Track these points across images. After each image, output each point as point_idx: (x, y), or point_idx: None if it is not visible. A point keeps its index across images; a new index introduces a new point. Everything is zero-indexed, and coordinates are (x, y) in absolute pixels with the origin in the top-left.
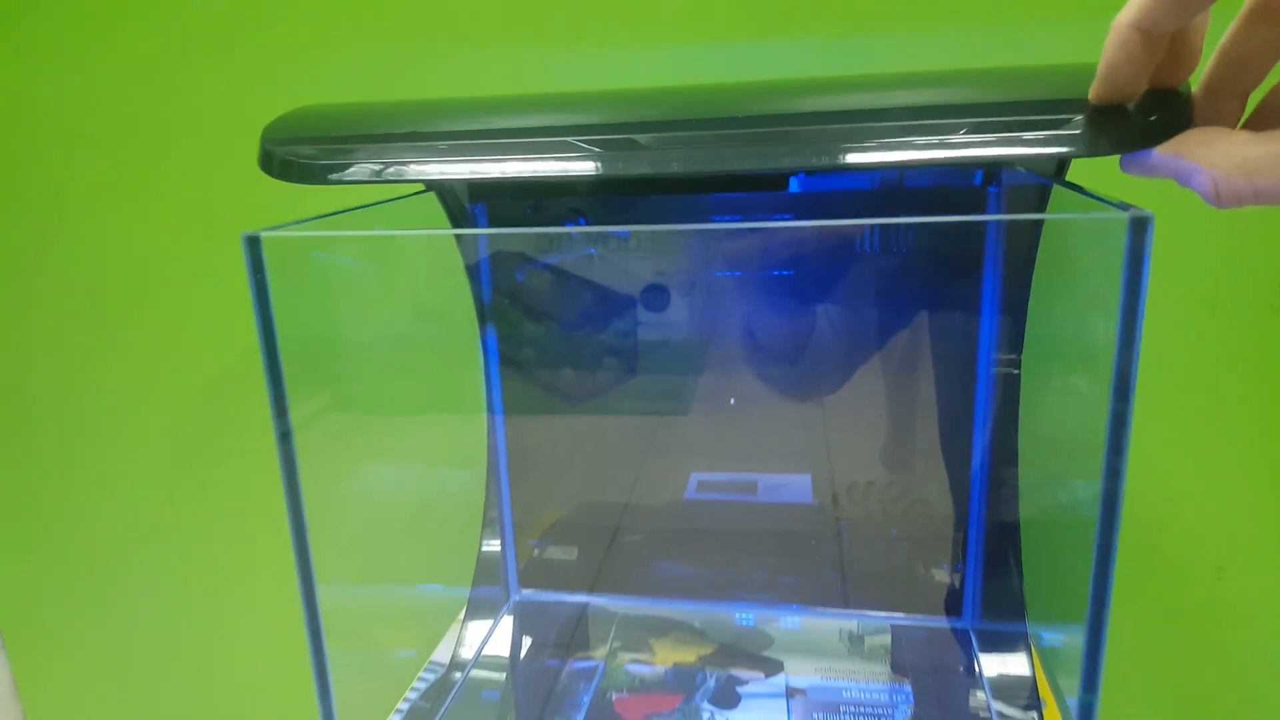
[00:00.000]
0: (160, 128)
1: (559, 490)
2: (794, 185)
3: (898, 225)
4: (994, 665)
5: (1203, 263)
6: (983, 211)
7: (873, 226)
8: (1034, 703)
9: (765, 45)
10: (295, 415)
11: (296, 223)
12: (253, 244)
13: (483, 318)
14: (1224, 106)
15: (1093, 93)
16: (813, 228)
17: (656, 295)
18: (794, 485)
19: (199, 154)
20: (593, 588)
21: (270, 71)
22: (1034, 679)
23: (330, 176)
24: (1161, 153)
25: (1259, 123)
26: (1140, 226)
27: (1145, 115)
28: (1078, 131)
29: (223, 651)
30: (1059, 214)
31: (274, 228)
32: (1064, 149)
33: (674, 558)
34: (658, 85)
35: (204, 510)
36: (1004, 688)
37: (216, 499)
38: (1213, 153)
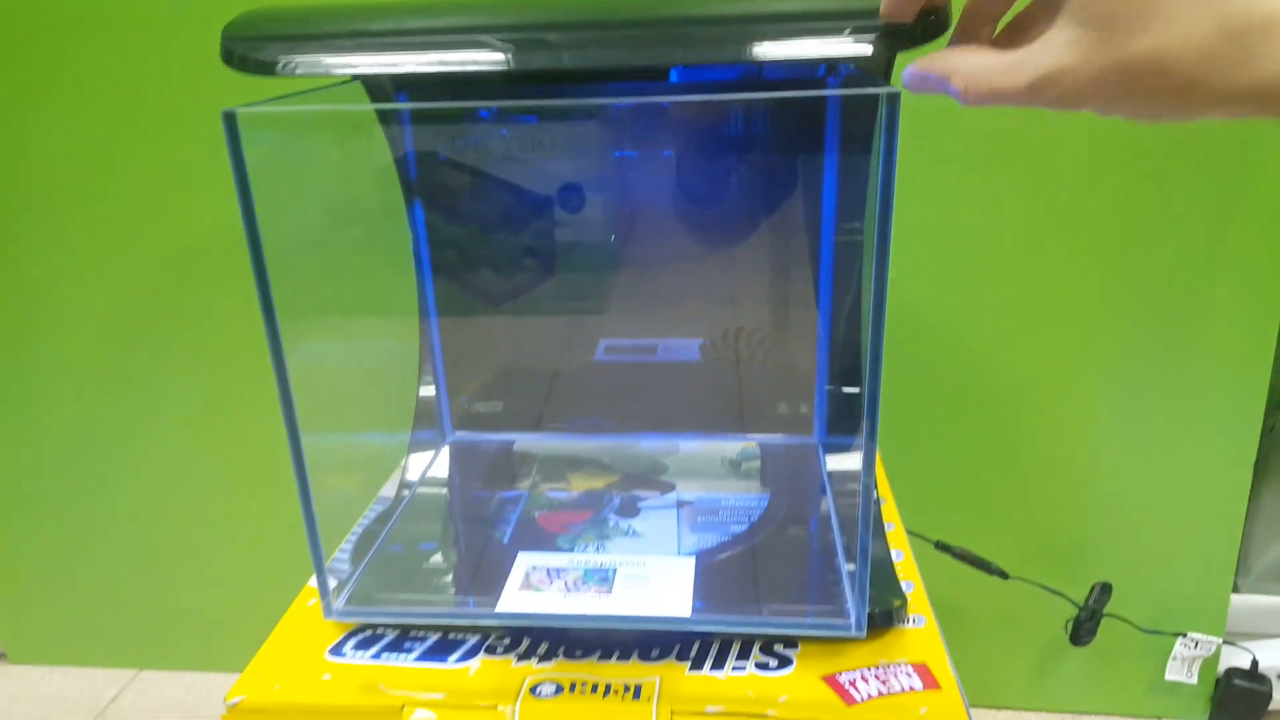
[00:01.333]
0: (97, 20)
1: (486, 352)
2: (673, 76)
3: (757, 109)
4: (835, 464)
5: (1024, 139)
6: (823, 97)
7: (737, 113)
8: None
9: None
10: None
11: (267, 101)
12: (229, 120)
13: (410, 197)
14: (979, 30)
15: (882, 11)
16: (676, 102)
17: (549, 181)
18: (684, 346)
19: (137, 44)
20: (516, 429)
21: None
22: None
23: (279, 70)
24: (918, 66)
25: (1004, 41)
26: (892, 101)
27: (912, 26)
28: (862, 39)
29: (178, 526)
30: (826, 91)
31: (249, 105)
32: (850, 52)
33: (586, 407)
34: None
35: (148, 396)
36: (840, 479)
37: (160, 385)
38: (960, 63)
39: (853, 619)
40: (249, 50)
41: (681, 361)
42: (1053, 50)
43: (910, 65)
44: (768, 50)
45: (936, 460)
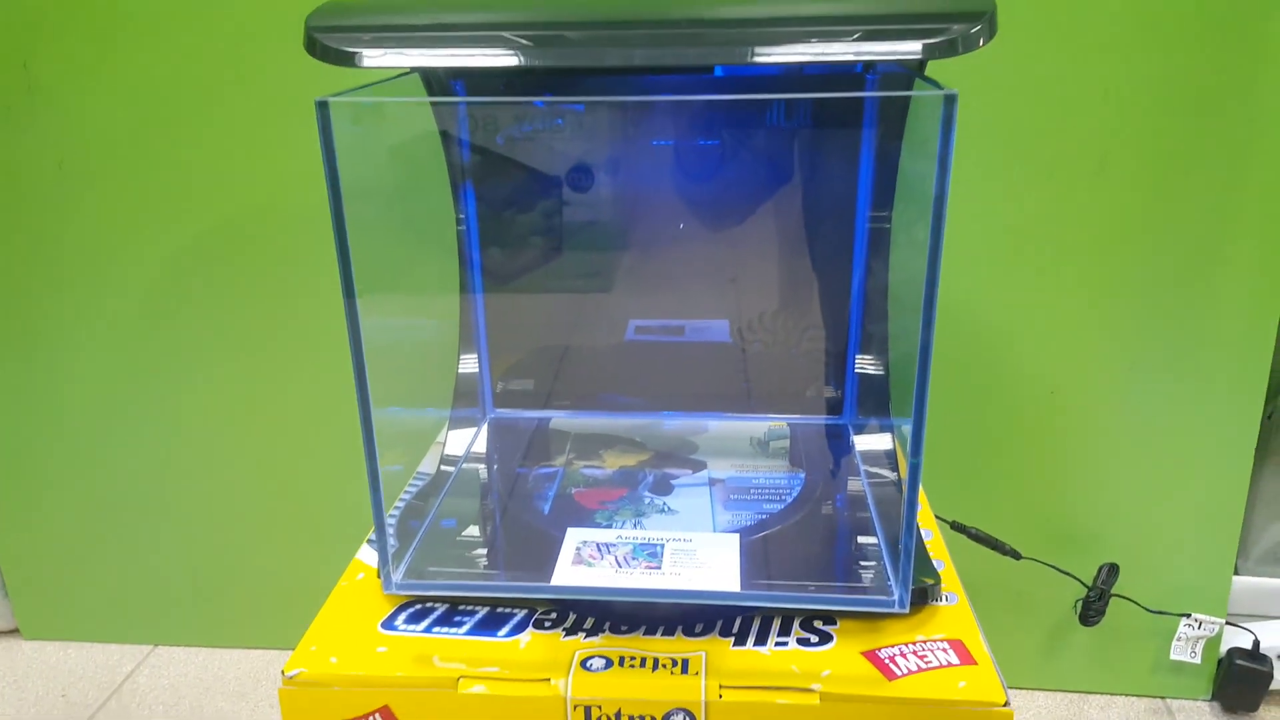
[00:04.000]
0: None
1: (524, 332)
2: (718, 70)
3: (799, 102)
4: (865, 445)
5: (1038, 139)
6: (861, 92)
7: (777, 104)
8: (893, 468)
9: None
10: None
11: (357, 89)
12: (322, 108)
13: (459, 186)
14: None
15: None
16: (726, 100)
17: (587, 170)
18: (714, 328)
19: (163, 25)
20: (552, 408)
21: None
22: (894, 453)
23: (363, 63)
24: None
25: None
26: (950, 102)
27: (952, 26)
28: (911, 40)
29: (192, 502)
30: (887, 93)
31: (341, 93)
32: (897, 53)
33: (618, 386)
34: None
35: (170, 371)
36: (871, 460)
37: (183, 361)
38: None
39: (896, 595)
40: (335, 42)
41: (711, 341)
42: None
43: None
44: (817, 51)
45: (949, 443)
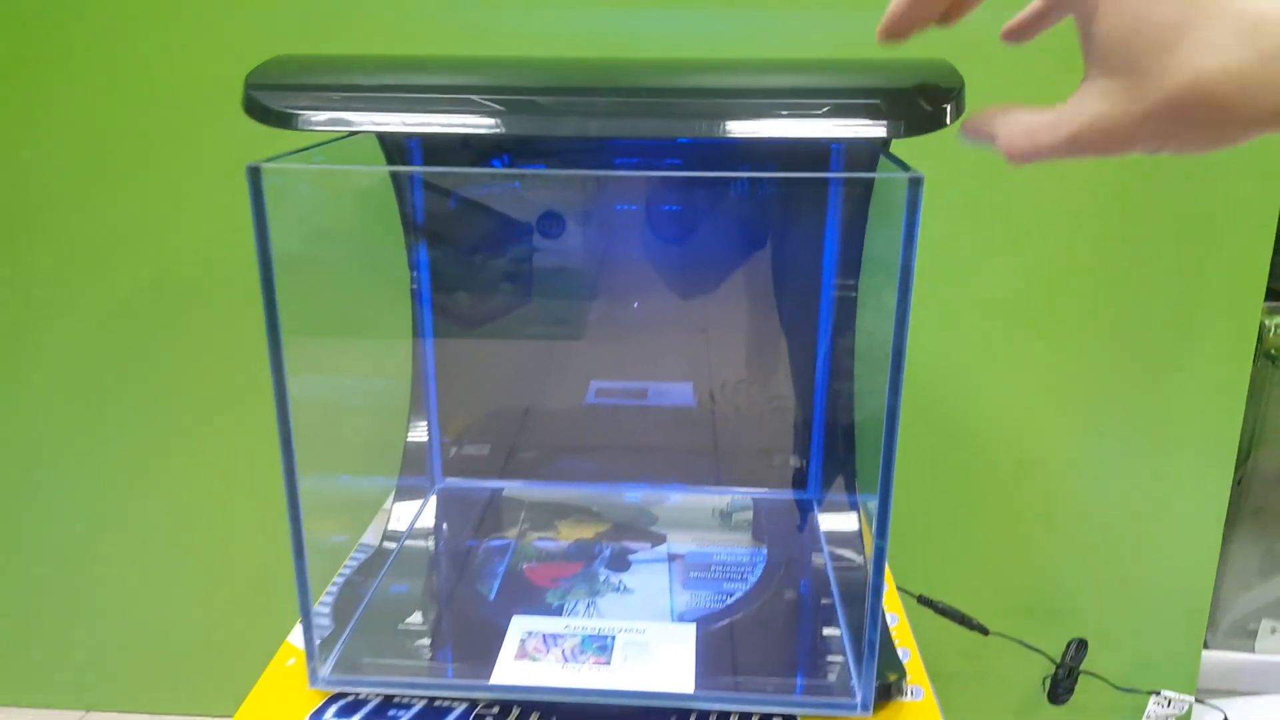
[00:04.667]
0: (65, 54)
1: (477, 397)
2: (681, 139)
3: (763, 169)
4: (830, 524)
5: (1006, 209)
6: (827, 162)
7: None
8: (858, 549)
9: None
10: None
11: (290, 154)
12: (253, 175)
13: (412, 243)
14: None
15: (878, 34)
16: (688, 177)
17: (553, 223)
18: (678, 391)
19: (110, 78)
20: (505, 476)
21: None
22: (860, 532)
23: (299, 125)
24: (966, 129)
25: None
26: (916, 185)
27: (921, 105)
28: (879, 119)
29: (126, 565)
30: (855, 174)
31: (273, 159)
32: (866, 133)
33: (576, 451)
34: (576, 56)
35: (104, 435)
36: (836, 540)
37: (115, 424)
38: (1002, 125)
39: (858, 698)
40: (272, 102)
41: (674, 407)
42: (1088, 102)
43: (963, 126)
44: (780, 128)
45: (915, 514)
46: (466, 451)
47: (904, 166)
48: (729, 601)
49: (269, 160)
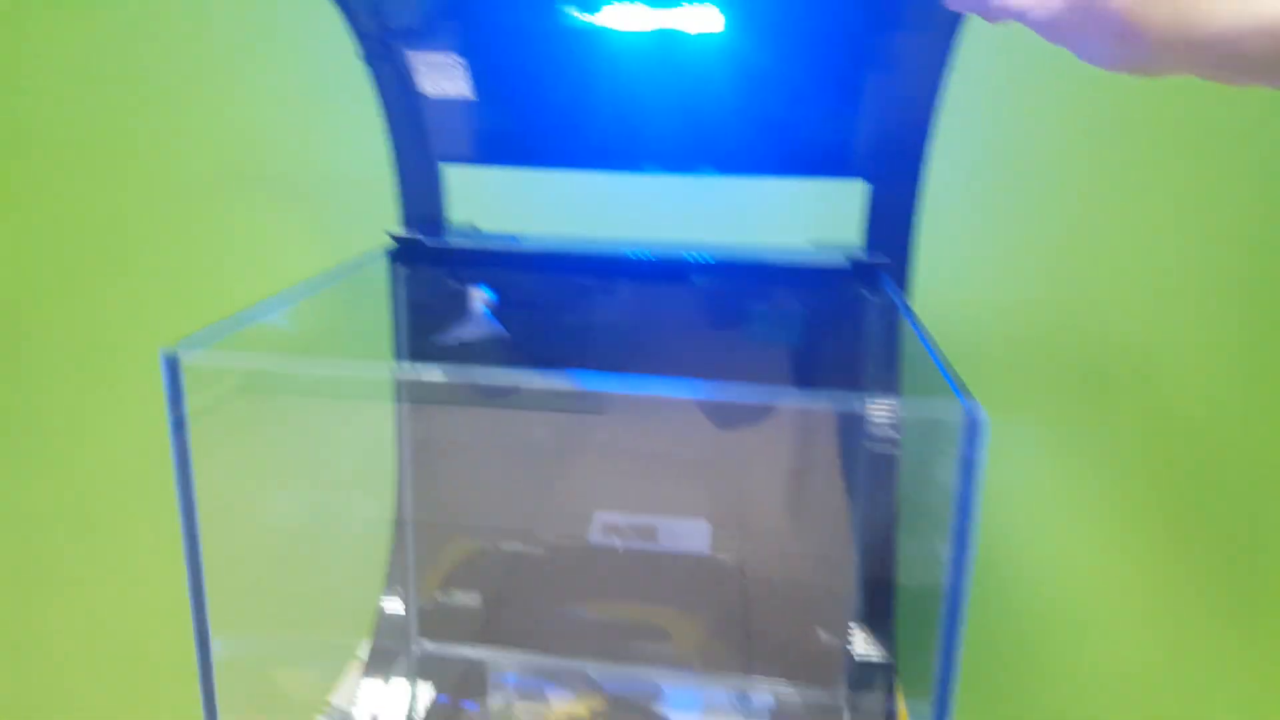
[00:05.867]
0: None
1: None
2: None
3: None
4: None
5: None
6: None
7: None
8: None
9: None
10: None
11: (212, 346)
12: (171, 365)
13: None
14: None
15: None
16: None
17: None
18: (692, 532)
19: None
20: (493, 640)
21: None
22: None
23: None
24: None
25: None
26: (974, 426)
27: None
28: None
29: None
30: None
31: (192, 348)
32: None
33: (574, 606)
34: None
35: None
36: None
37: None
38: None
39: None
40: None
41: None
42: None
43: None
44: None
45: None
46: (450, 606)
47: (965, 396)
48: None
49: (190, 350)
